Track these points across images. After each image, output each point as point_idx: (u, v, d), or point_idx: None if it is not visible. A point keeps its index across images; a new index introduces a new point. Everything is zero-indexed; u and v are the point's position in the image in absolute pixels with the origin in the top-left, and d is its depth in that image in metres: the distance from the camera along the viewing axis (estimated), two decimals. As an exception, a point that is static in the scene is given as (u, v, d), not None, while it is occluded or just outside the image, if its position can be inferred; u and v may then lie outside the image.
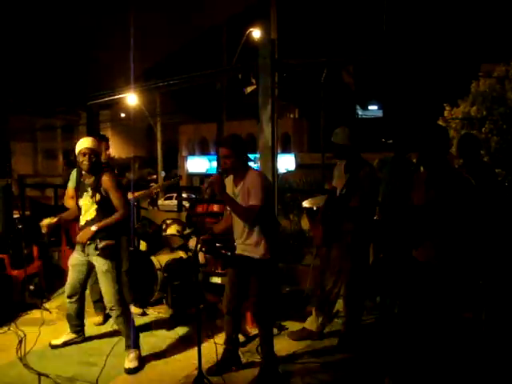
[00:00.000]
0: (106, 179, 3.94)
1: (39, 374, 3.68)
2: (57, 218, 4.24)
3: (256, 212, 3.40)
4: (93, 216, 3.95)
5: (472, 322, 3.95)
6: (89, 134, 7.40)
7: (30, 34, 5.73)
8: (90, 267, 4.09)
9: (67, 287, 4.16)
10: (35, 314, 5.06)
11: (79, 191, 4.05)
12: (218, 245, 3.69)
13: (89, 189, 3.95)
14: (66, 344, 4.26)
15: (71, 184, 4.70)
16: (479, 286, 3.91)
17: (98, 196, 3.92)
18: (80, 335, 4.37)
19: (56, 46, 6.16)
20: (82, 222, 4.01)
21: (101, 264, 3.93)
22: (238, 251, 3.65)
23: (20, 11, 5.37)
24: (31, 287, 5.39)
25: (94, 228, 3.89)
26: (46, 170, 36.87)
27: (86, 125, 7.88)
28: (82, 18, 5.87)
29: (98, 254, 3.91)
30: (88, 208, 3.96)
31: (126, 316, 3.98)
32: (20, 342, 4.28)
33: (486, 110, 16.60)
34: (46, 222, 4.19)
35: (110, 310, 3.98)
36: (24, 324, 4.74)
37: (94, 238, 3.92)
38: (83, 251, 4.01)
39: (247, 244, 3.55)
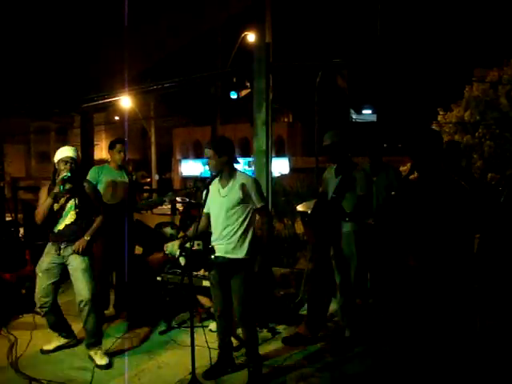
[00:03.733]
0: (87, 185, 4.08)
1: (30, 379, 3.64)
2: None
3: (268, 209, 3.51)
4: (73, 219, 3.99)
5: (466, 326, 3.95)
6: (83, 137, 7.39)
7: (23, 37, 5.71)
8: (63, 270, 4.04)
9: (40, 295, 4.00)
10: (27, 318, 5.00)
11: (54, 196, 3.95)
12: (194, 248, 3.66)
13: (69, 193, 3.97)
14: (58, 349, 4.22)
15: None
16: (474, 290, 3.91)
17: (78, 200, 3.97)
18: (72, 339, 4.32)
19: (50, 49, 6.14)
20: (62, 225, 4.00)
21: (79, 262, 3.95)
22: (218, 253, 3.61)
23: (15, 14, 5.35)
24: (23, 291, 5.35)
25: (87, 237, 3.98)
26: (39, 172, 36.63)
27: (79, 128, 7.87)
28: (76, 22, 5.85)
29: (76, 253, 3.93)
30: (67, 212, 3.99)
31: (97, 313, 4.01)
32: (11, 346, 4.24)
33: (479, 114, 16.66)
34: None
35: (84, 305, 3.93)
36: (15, 328, 4.70)
37: (72, 242, 3.95)
38: (58, 254, 3.99)
39: (230, 245, 3.54)
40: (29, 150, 39.50)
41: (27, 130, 32.85)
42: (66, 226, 3.98)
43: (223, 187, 3.59)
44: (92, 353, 3.98)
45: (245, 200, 3.55)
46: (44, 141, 37.72)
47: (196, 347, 3.34)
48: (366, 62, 5.88)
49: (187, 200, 5.74)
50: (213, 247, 3.65)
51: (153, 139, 31.23)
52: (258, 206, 3.56)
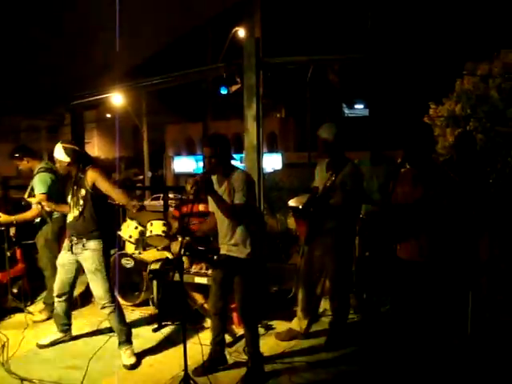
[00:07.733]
0: (91, 174, 3.92)
1: (22, 379, 3.62)
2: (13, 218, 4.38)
3: (241, 209, 3.39)
4: (79, 211, 3.94)
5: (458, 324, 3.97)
6: (73, 135, 7.34)
7: (11, 34, 5.65)
8: (78, 266, 4.07)
9: (56, 287, 4.16)
10: (18, 317, 4.97)
11: (66, 188, 4.08)
12: (200, 247, 3.66)
13: (75, 186, 3.97)
14: (53, 344, 4.25)
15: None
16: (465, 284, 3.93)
17: (83, 191, 3.92)
18: (67, 334, 4.37)
19: (39, 46, 6.08)
20: (70, 218, 4.02)
21: (90, 263, 3.93)
22: (222, 251, 3.62)
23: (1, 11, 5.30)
24: (14, 290, 5.31)
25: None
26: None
27: (70, 125, 7.81)
28: (66, 18, 5.81)
29: (87, 254, 3.91)
30: (75, 204, 3.98)
31: (118, 312, 4.00)
32: (3, 346, 4.21)
33: (470, 108, 16.67)
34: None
35: (103, 307, 3.98)
36: (7, 328, 4.67)
37: (81, 237, 3.93)
38: (71, 251, 4.01)
39: (232, 244, 3.53)
40: (20, 148, 39.25)
41: (18, 128, 32.62)
42: (74, 217, 3.97)
43: (220, 186, 3.55)
44: (121, 352, 3.97)
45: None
46: (35, 139, 37.46)
47: (188, 344, 3.33)
48: (356, 56, 5.87)
49: (179, 196, 5.70)
50: (217, 246, 3.65)
51: (145, 136, 31.08)
52: (235, 201, 3.40)
